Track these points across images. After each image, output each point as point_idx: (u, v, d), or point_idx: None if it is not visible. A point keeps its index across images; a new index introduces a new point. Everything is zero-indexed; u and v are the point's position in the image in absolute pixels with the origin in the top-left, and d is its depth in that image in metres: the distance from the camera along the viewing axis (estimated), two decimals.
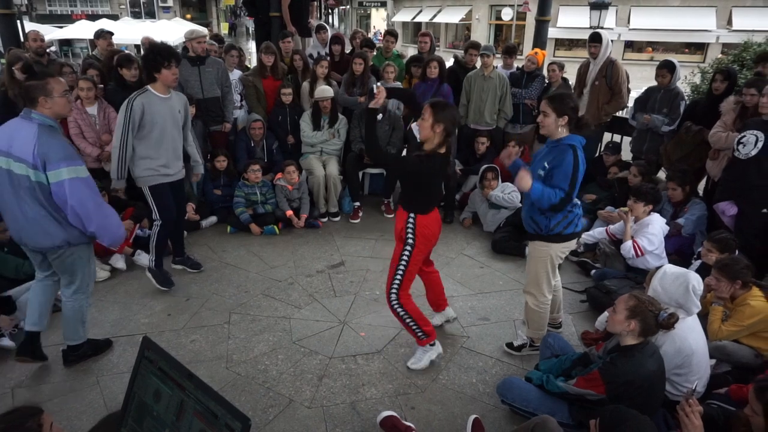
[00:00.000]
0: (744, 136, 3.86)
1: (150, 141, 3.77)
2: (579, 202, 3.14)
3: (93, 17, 26.39)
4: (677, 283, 2.74)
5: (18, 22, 8.62)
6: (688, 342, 2.69)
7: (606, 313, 3.64)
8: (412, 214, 3.03)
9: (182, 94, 4.06)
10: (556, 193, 2.86)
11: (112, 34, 6.49)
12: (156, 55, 3.65)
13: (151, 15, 31.78)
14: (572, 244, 3.22)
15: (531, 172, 2.93)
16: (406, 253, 3.06)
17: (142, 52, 6.84)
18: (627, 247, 4.08)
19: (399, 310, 3.14)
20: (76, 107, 4.75)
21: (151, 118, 3.70)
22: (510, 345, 3.51)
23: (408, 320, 3.17)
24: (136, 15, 30.85)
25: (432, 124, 2.85)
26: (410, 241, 3.04)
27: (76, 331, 3.21)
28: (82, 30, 20.20)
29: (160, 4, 32.57)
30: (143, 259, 4.46)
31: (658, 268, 2.93)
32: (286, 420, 2.89)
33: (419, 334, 3.22)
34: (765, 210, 3.87)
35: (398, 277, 3.10)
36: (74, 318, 3.16)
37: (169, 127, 3.83)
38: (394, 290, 3.11)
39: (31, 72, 3.14)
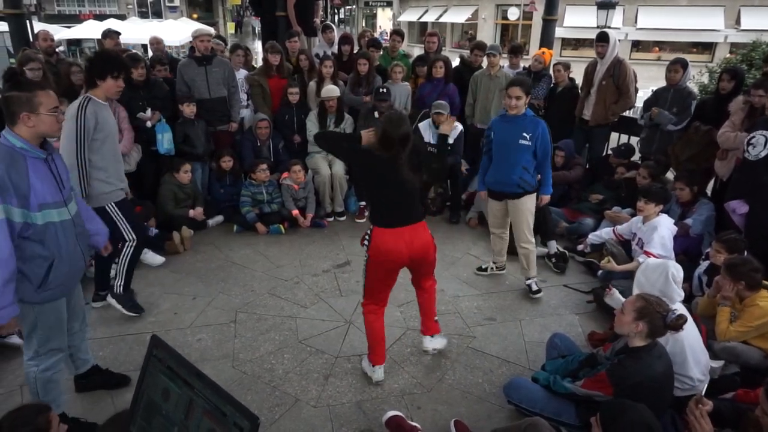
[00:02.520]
0: (753, 137, 3.83)
1: (104, 152, 3.39)
2: None
3: (100, 17, 26.48)
4: (657, 272, 2.87)
5: (27, 22, 8.67)
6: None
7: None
8: (372, 225, 2.97)
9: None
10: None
11: (119, 34, 6.50)
12: (105, 62, 3.32)
13: (157, 15, 31.90)
14: None
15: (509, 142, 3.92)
16: (363, 264, 3.02)
17: (149, 52, 6.85)
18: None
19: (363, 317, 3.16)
20: None
21: (103, 127, 3.35)
22: (530, 288, 4.22)
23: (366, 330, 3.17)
24: (143, 15, 30.98)
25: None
26: (365, 252, 2.97)
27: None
28: (90, 30, 20.30)
29: (167, 4, 32.69)
30: (150, 257, 4.48)
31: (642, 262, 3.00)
32: (292, 419, 2.89)
33: (368, 350, 3.21)
34: None
35: (362, 287, 3.09)
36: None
37: (115, 135, 3.54)
38: (362, 299, 3.13)
39: (15, 80, 2.66)
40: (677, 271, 2.88)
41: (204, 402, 1.15)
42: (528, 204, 4.06)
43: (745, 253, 3.42)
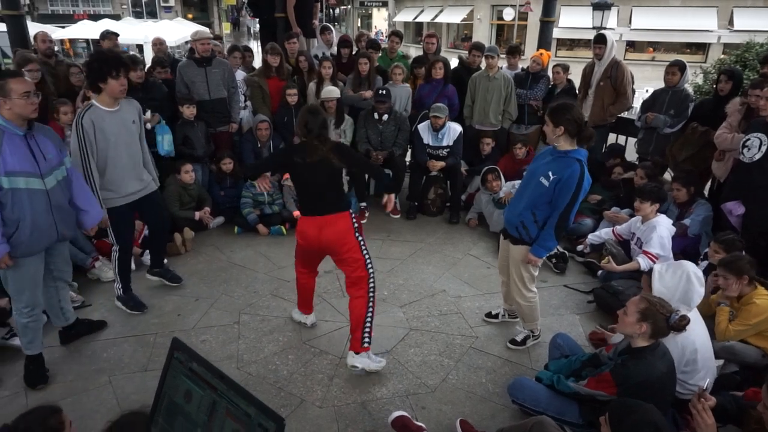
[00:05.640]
0: (749, 139, 3.88)
1: (104, 160, 3.43)
2: None
3: (95, 17, 26.37)
4: (677, 276, 2.82)
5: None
6: (691, 339, 2.72)
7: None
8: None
9: (134, 101, 3.66)
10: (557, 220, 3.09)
11: (117, 35, 6.49)
12: (102, 63, 3.28)
13: (152, 15, 31.77)
14: None
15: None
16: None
17: (145, 52, 6.84)
18: (646, 264, 3.89)
19: None
20: None
21: (103, 136, 3.36)
22: (513, 341, 3.58)
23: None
24: (137, 15, 30.83)
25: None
26: None
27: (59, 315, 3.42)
28: (85, 30, 20.26)
29: (162, 4, 32.55)
30: (149, 259, 4.47)
31: (650, 271, 2.94)
32: (298, 420, 2.91)
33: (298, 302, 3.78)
34: None
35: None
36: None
37: (124, 142, 3.49)
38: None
39: None
40: (697, 269, 2.82)
41: (227, 403, 1.17)
42: (523, 255, 3.26)
43: (743, 253, 3.47)
